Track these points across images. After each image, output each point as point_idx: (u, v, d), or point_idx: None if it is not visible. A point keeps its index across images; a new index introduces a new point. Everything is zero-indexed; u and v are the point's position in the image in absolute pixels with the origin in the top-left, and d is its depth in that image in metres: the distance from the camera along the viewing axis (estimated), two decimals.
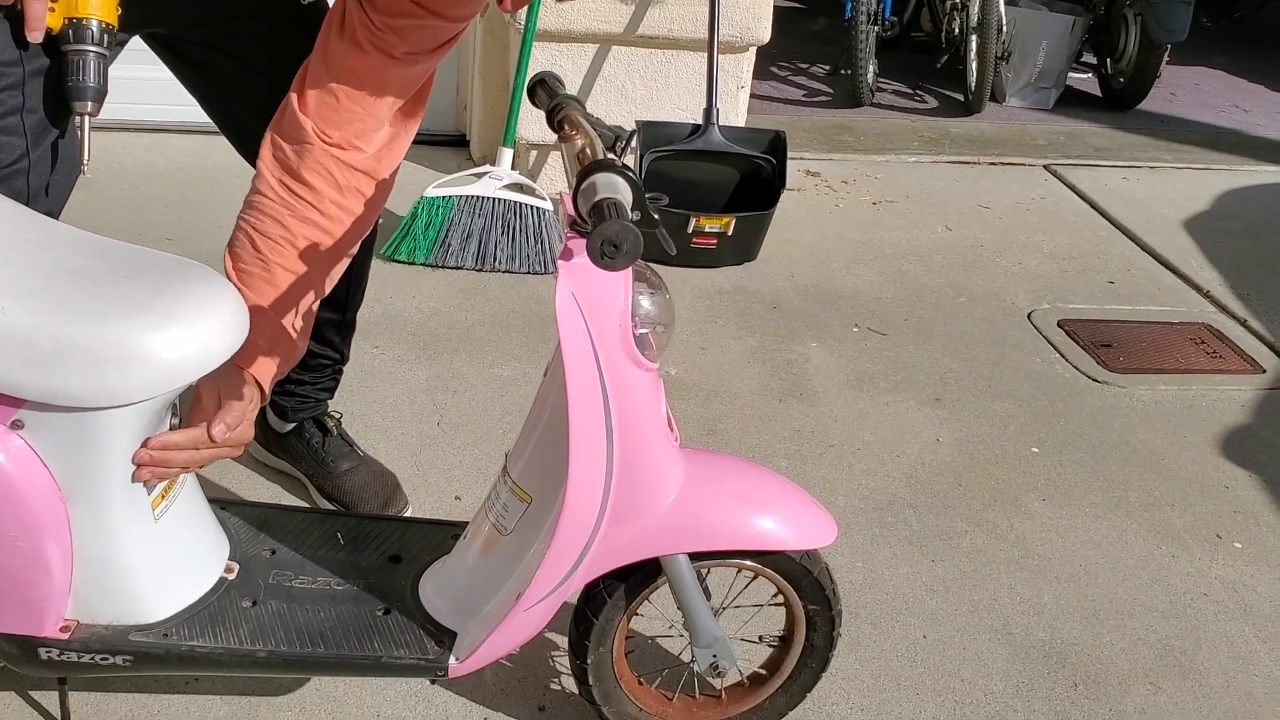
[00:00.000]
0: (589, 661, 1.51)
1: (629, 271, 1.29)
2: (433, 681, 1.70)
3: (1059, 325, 3.05)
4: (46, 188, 1.48)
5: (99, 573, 1.36)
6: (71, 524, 1.32)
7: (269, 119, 1.44)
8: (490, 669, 1.73)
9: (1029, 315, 3.09)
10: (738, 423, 2.47)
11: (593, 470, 1.31)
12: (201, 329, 1.29)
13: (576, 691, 1.58)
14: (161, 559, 1.40)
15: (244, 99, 1.63)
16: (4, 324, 1.21)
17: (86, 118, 1.42)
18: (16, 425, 1.26)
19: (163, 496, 1.40)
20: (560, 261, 1.21)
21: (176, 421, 1.44)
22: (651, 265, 1.37)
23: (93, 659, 1.38)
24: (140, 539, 1.37)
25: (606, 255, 1.09)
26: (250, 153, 1.57)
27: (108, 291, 1.28)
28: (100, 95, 1.42)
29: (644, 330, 1.32)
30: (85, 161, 1.44)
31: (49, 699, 1.59)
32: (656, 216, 1.24)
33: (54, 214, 1.52)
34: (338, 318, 1.87)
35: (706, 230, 3.06)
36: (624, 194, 1.16)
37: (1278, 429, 2.66)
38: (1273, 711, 1.84)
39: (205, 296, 1.32)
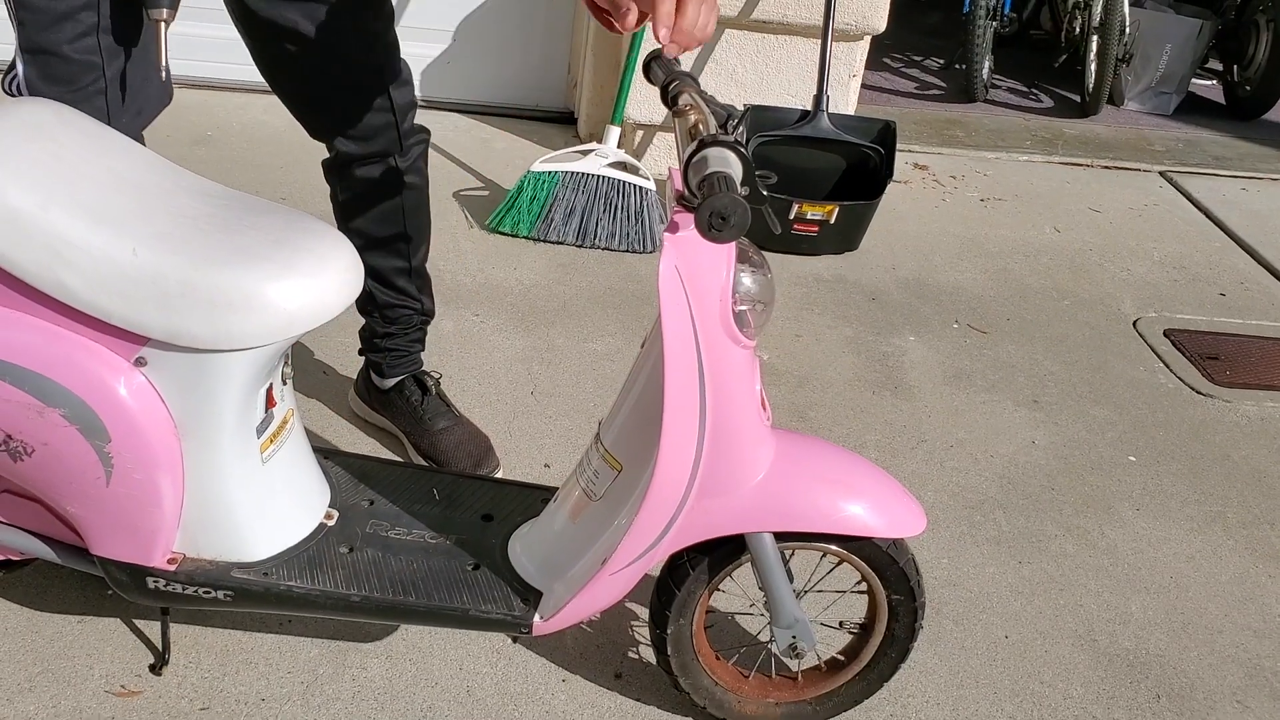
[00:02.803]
0: (669, 632, 1.53)
1: (732, 248, 1.30)
2: (514, 640, 1.74)
3: (1165, 334, 2.97)
4: (126, 103, 1.54)
5: (207, 509, 1.42)
6: (184, 461, 1.38)
7: None
8: (571, 633, 1.76)
9: (1134, 323, 3.02)
10: (829, 411, 2.47)
11: (684, 442, 1.33)
12: (318, 281, 1.33)
13: (654, 661, 1.61)
14: (266, 501, 1.46)
15: None
16: (133, 264, 1.27)
17: (163, 24, 1.43)
18: (140, 362, 1.33)
19: (271, 440, 1.45)
20: (665, 234, 1.23)
21: (289, 370, 1.50)
22: (754, 245, 1.38)
23: (196, 592, 1.44)
24: (247, 480, 1.43)
25: (714, 227, 1.10)
26: None
27: (231, 239, 1.34)
28: (175, 1, 1.44)
29: (743, 307, 1.33)
30: (164, 69, 1.45)
31: (151, 629, 1.66)
32: (765, 193, 1.24)
33: (136, 132, 1.58)
34: (404, 264, 1.94)
35: (809, 217, 3.05)
36: (734, 169, 1.17)
37: None
38: None
39: (323, 250, 1.37)
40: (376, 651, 1.69)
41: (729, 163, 1.16)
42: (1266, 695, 1.85)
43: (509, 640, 1.74)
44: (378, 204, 1.84)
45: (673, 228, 1.24)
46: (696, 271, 1.26)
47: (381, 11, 1.70)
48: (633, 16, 1.23)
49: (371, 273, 1.92)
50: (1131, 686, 1.83)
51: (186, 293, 1.28)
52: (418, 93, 3.75)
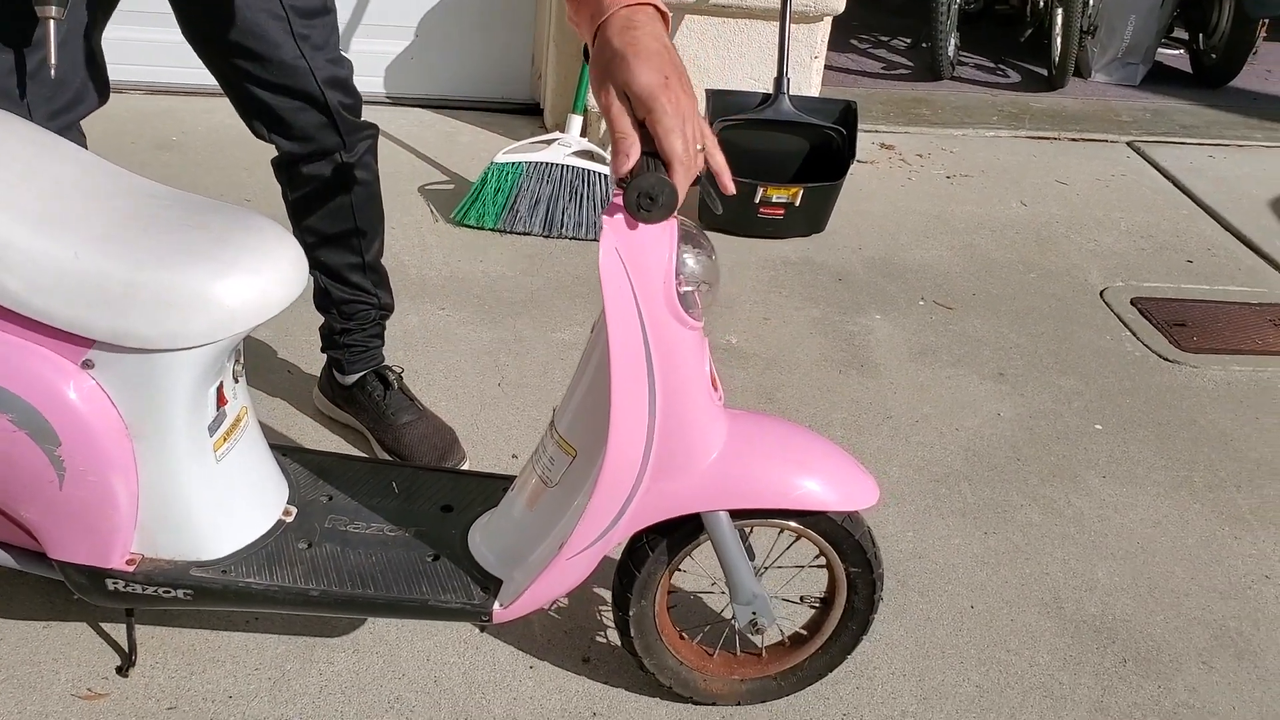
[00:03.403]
0: (631, 613, 1.54)
1: (673, 229, 1.31)
2: (482, 629, 1.75)
3: (1132, 303, 2.99)
4: (48, 101, 1.51)
5: (163, 509, 1.42)
6: (137, 461, 1.38)
7: None
8: (538, 620, 1.77)
9: (1101, 293, 3.03)
10: (796, 392, 2.48)
11: (634, 425, 1.33)
12: (261, 277, 1.34)
13: (620, 644, 1.62)
14: (222, 499, 1.46)
15: None
16: (76, 268, 1.27)
17: (52, 21, 1.39)
18: (87, 365, 1.33)
19: (225, 438, 1.46)
20: (604, 217, 1.23)
21: (240, 368, 1.50)
22: (700, 225, 1.38)
23: (155, 591, 1.45)
24: (202, 478, 1.43)
25: (642, 207, 1.11)
26: None
27: (173, 239, 1.34)
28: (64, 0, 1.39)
29: (689, 289, 1.34)
30: (53, 65, 1.41)
31: (117, 631, 1.66)
32: (701, 173, 1.25)
33: (67, 130, 1.56)
34: (357, 260, 1.95)
35: (774, 200, 3.06)
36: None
37: None
38: None
39: (265, 246, 1.37)
40: (343, 645, 1.70)
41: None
42: (1231, 655, 1.87)
43: (476, 630, 1.74)
44: (327, 201, 1.85)
45: (611, 210, 1.25)
46: (638, 254, 1.27)
47: (307, 12, 1.70)
48: (628, 162, 1.16)
49: (325, 269, 1.93)
50: (1098, 652, 1.85)
51: (130, 293, 1.28)
52: (381, 89, 3.79)
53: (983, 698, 1.74)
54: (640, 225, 1.24)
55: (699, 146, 1.18)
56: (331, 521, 1.57)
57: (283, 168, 1.85)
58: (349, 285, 1.95)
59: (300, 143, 1.77)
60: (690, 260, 1.34)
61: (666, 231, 1.29)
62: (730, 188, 1.26)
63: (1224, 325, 2.94)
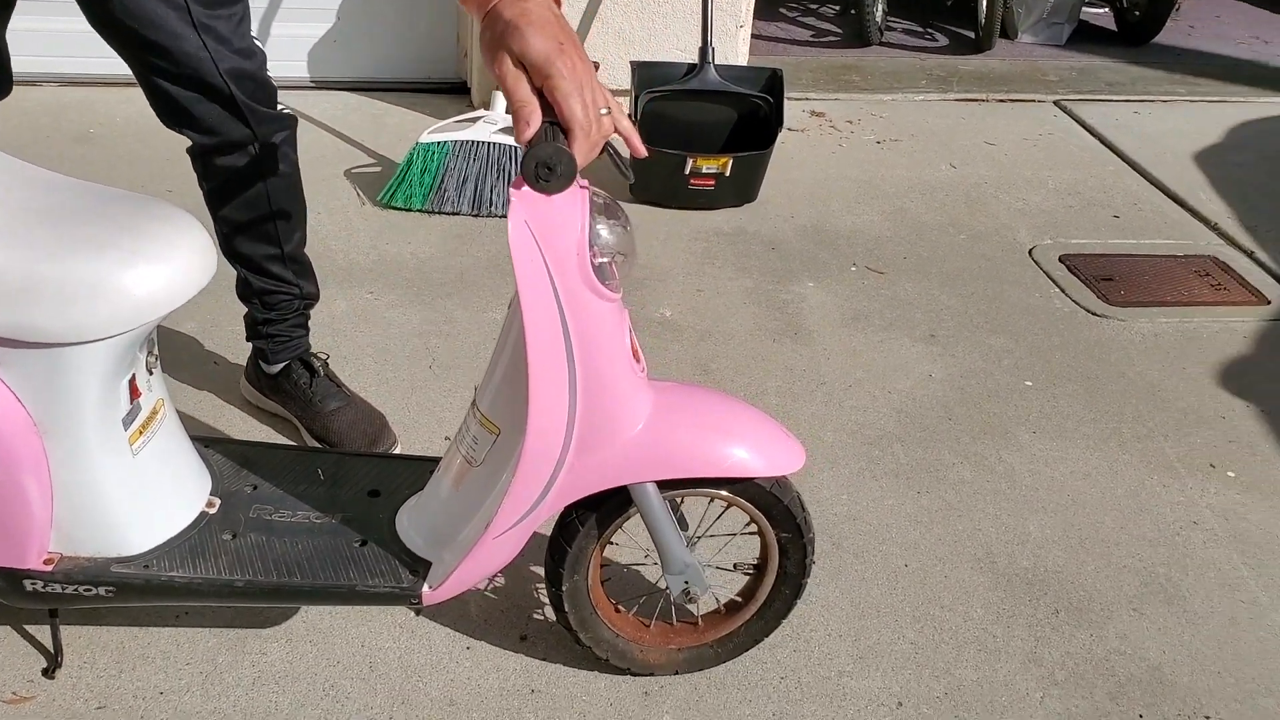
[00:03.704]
0: (564, 589, 1.53)
1: (585, 200, 1.30)
2: (417, 613, 1.73)
3: (1060, 260, 3.03)
4: None
5: (79, 506, 1.40)
6: (49, 459, 1.35)
7: None
8: (474, 601, 1.76)
9: (1030, 251, 3.07)
10: (731, 362, 2.48)
11: (554, 400, 1.33)
12: (167, 266, 1.31)
13: (555, 620, 1.62)
14: (140, 493, 1.44)
15: None
16: None
17: None
18: None
19: (140, 432, 1.43)
20: (512, 190, 1.22)
21: (154, 359, 1.47)
22: (611, 196, 1.37)
23: (76, 590, 1.42)
24: (118, 473, 1.40)
25: (541, 177, 1.10)
26: None
27: (76, 230, 1.31)
28: None
29: (604, 260, 1.33)
30: None
31: (43, 633, 1.63)
32: (609, 144, 1.24)
33: None
34: (276, 251, 1.91)
35: (704, 171, 3.05)
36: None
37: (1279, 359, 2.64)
38: (1255, 635, 1.85)
39: (172, 234, 1.34)
40: (276, 636, 1.68)
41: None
42: (1161, 601, 1.91)
43: (411, 614, 1.73)
44: (241, 192, 1.81)
45: (518, 183, 1.23)
46: (549, 226, 1.25)
47: (210, 2, 1.65)
48: (529, 129, 1.14)
49: (243, 260, 1.90)
50: (1031, 604, 1.88)
51: (31, 286, 1.25)
52: (304, 73, 3.73)
53: (918, 654, 1.76)
54: (551, 197, 1.23)
55: (603, 110, 1.16)
56: (256, 511, 1.55)
57: (196, 158, 1.81)
58: (269, 276, 1.92)
59: (207, 135, 1.74)
60: (604, 231, 1.33)
61: (577, 202, 1.28)
62: (641, 150, 1.25)
63: (1150, 278, 2.98)
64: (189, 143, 1.78)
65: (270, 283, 1.93)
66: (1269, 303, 2.90)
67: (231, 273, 1.93)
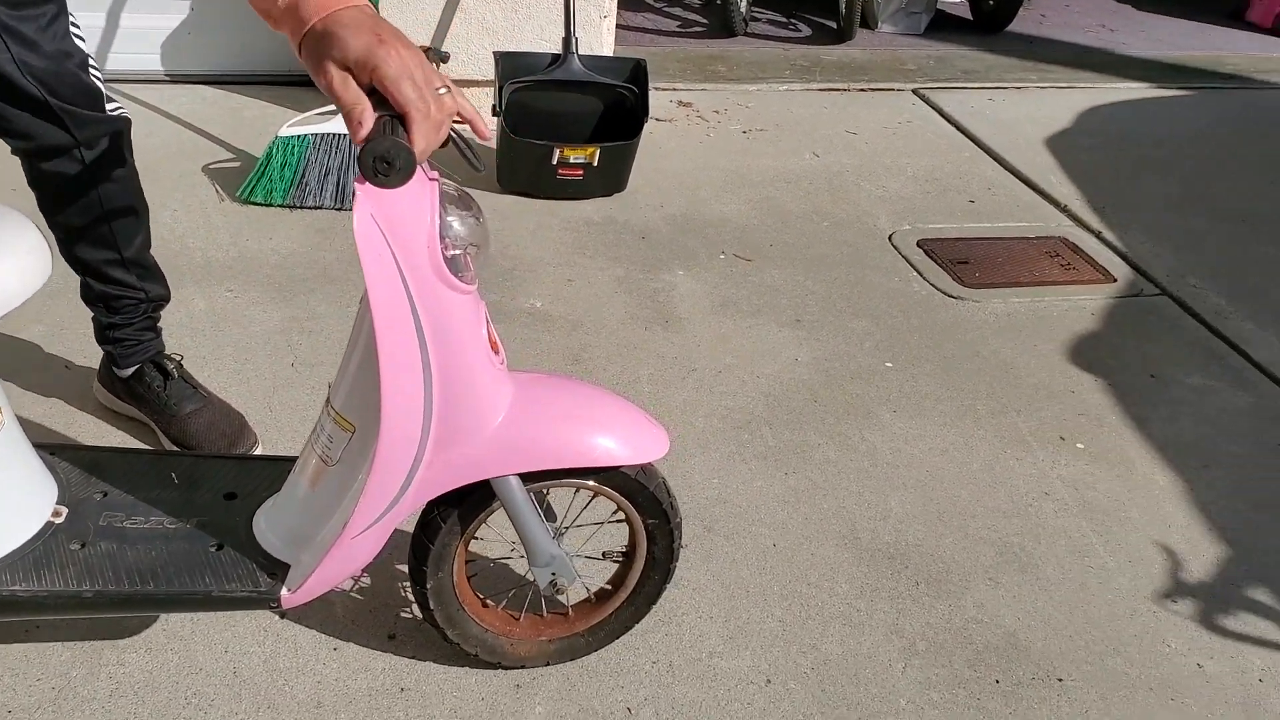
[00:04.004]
0: (429, 586, 1.52)
1: (434, 191, 1.29)
2: (282, 616, 1.70)
3: (918, 245, 3.11)
4: None
5: None
6: None
7: None
8: (340, 602, 1.74)
9: (890, 236, 3.15)
10: (602, 351, 2.49)
11: (408, 394, 1.31)
12: None
13: (423, 617, 1.60)
14: None
15: None
16: None
17: None
18: None
19: None
20: (356, 184, 1.20)
21: None
22: (462, 188, 1.37)
23: None
24: None
25: (380, 172, 1.08)
26: None
27: None
28: None
29: (456, 251, 1.32)
30: None
31: None
32: (455, 135, 1.23)
33: None
34: (114, 256, 1.84)
35: (572, 161, 3.05)
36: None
37: (1125, 334, 2.77)
38: (1103, 599, 1.94)
39: (2, 234, 1.29)
40: (134, 646, 1.63)
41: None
42: (1015, 569, 1.98)
43: (276, 618, 1.70)
44: (73, 197, 1.73)
45: (361, 177, 1.22)
46: (396, 219, 1.24)
47: (15, 2, 1.56)
48: (363, 129, 1.12)
49: (83, 265, 1.83)
50: (892, 577, 1.93)
51: None
52: (158, 66, 3.61)
53: (786, 631, 1.79)
54: (399, 190, 1.22)
55: (440, 89, 1.15)
56: (107, 519, 1.50)
57: (23, 162, 1.73)
58: (110, 281, 1.85)
59: (23, 140, 1.65)
60: (456, 223, 1.32)
61: (426, 194, 1.27)
62: (484, 132, 1.24)
63: (1004, 260, 3.09)
64: None
65: (113, 287, 1.86)
66: (1115, 280, 3.03)
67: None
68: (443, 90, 1.14)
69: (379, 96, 1.12)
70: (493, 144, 3.11)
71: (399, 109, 1.11)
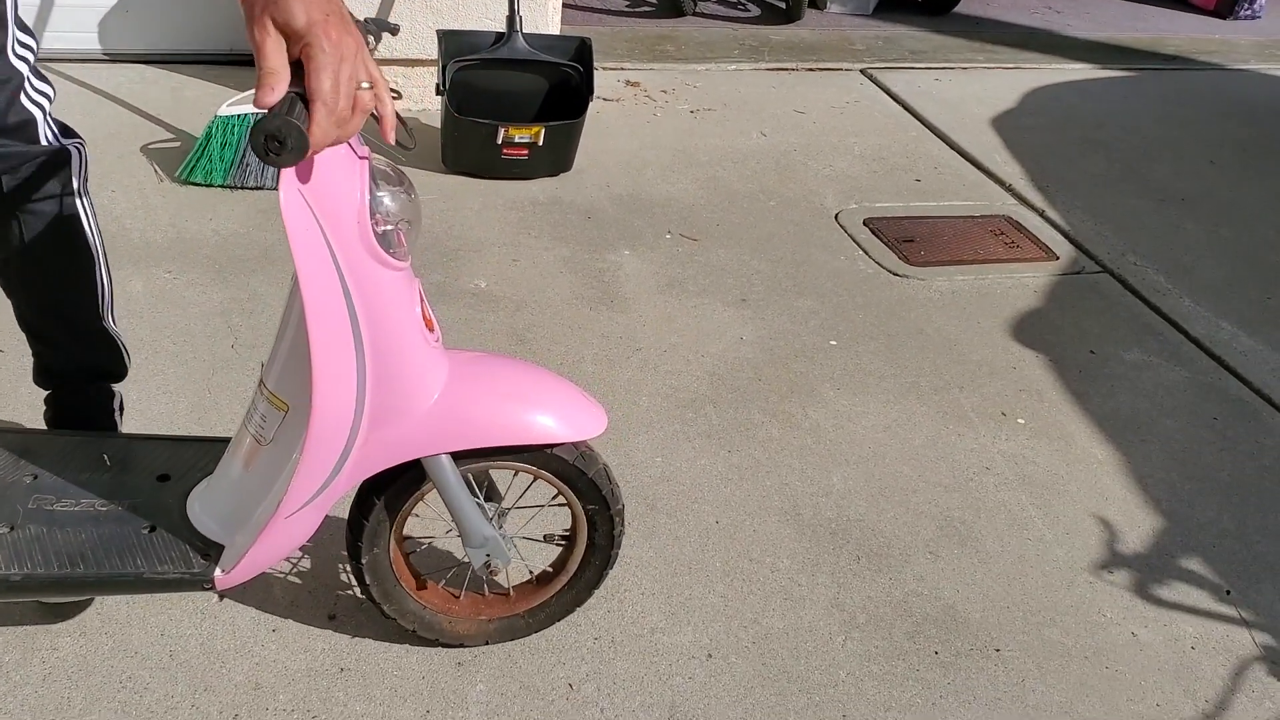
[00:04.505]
0: (364, 562, 1.51)
1: (363, 167, 1.27)
2: (220, 599, 1.69)
3: (864, 224, 3.13)
4: None
5: None
6: None
7: None
8: (279, 583, 1.72)
9: (836, 215, 3.16)
10: (547, 331, 2.48)
11: (340, 372, 1.30)
12: None
13: (360, 592, 1.60)
14: None
15: None
16: None
17: None
18: None
19: None
20: None
21: None
22: (393, 163, 1.35)
23: None
24: None
25: (271, 150, 1.06)
26: None
27: None
28: None
29: (388, 227, 1.31)
30: None
31: None
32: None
33: None
34: (50, 317, 1.68)
35: (517, 141, 3.04)
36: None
37: (1066, 311, 2.80)
38: (1040, 570, 1.96)
39: None
40: (68, 630, 1.61)
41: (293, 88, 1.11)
42: (955, 542, 2.01)
43: (214, 600, 1.69)
44: None
45: None
46: (324, 195, 1.23)
47: None
48: (271, 96, 1.08)
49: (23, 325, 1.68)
50: (834, 552, 1.95)
51: None
52: (96, 45, 3.54)
53: (727, 606, 1.80)
54: (326, 166, 1.20)
55: (363, 84, 1.14)
56: (36, 502, 1.48)
57: None
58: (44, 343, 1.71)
59: None
60: (386, 198, 1.31)
61: (355, 170, 1.26)
62: (389, 138, 1.22)
63: (949, 239, 3.12)
64: None
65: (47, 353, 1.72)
66: (1058, 258, 3.07)
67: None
68: (365, 86, 1.13)
69: (301, 71, 1.11)
70: (437, 124, 3.09)
71: (308, 94, 1.10)
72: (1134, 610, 1.90)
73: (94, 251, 1.64)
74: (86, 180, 1.60)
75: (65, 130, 1.56)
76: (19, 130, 1.48)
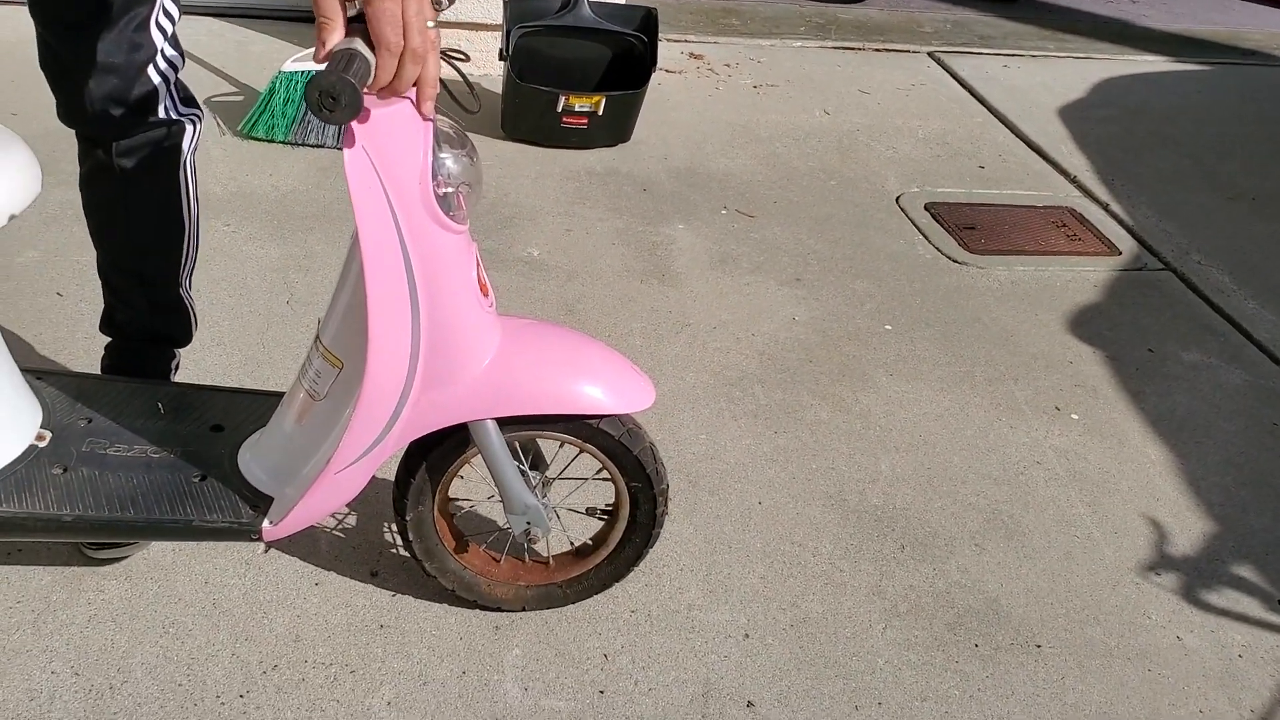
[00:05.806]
0: (408, 518, 1.52)
1: (428, 129, 1.27)
2: (266, 550, 1.71)
3: (925, 208, 3.09)
4: None
5: None
6: None
7: None
8: (325, 538, 1.74)
9: (897, 199, 3.12)
10: (596, 303, 2.48)
11: (395, 332, 1.30)
12: None
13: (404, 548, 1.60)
14: None
15: None
16: None
17: None
18: None
19: None
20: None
21: None
22: (457, 125, 1.35)
23: None
24: None
25: (325, 107, 1.06)
26: None
27: None
28: None
29: (449, 190, 1.31)
30: None
31: None
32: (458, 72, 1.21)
33: None
34: (134, 282, 1.69)
35: (577, 109, 3.02)
36: (365, 49, 1.11)
37: (1126, 307, 2.75)
38: (1087, 569, 1.93)
39: None
40: (114, 573, 1.63)
41: (356, 43, 1.10)
42: (1001, 536, 1.98)
43: (259, 551, 1.70)
44: (99, 208, 1.61)
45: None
46: (389, 155, 1.22)
47: None
48: (326, 45, 1.09)
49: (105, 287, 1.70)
50: (878, 539, 1.93)
51: None
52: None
53: (766, 588, 1.79)
54: (391, 126, 1.20)
55: (429, 23, 1.12)
56: (90, 445, 1.50)
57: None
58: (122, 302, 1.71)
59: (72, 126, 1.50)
60: (449, 161, 1.30)
61: (420, 131, 1.25)
62: (430, 111, 1.21)
63: (1010, 228, 3.07)
64: (36, 62, 1.53)
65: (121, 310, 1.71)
66: (1120, 254, 3.01)
67: (76, 200, 1.83)
68: (431, 25, 1.12)
69: (363, 28, 1.10)
70: (498, 90, 3.08)
71: (374, 40, 1.09)
72: (1180, 614, 1.87)
73: (186, 223, 1.64)
74: (195, 150, 1.60)
75: (186, 99, 1.55)
76: (140, 102, 1.48)
